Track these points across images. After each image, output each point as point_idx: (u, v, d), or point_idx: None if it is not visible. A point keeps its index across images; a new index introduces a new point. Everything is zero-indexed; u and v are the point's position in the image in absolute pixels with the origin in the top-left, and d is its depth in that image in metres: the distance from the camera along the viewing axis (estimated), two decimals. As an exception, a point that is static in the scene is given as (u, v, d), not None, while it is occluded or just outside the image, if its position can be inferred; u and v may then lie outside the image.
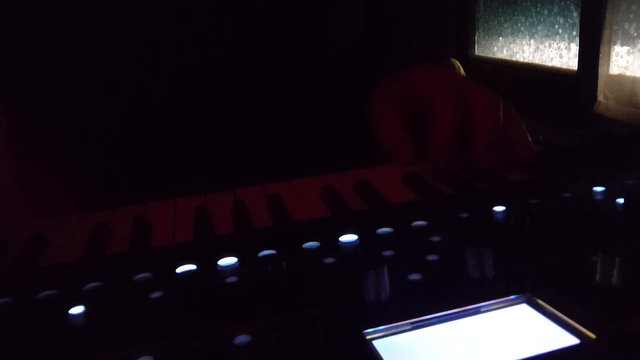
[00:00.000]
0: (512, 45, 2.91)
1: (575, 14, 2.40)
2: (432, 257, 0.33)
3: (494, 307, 0.28)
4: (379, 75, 0.61)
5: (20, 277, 0.37)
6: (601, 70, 2.11)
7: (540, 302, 0.28)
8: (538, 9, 2.65)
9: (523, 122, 0.52)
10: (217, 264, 0.35)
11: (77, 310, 0.31)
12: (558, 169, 0.50)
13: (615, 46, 2.08)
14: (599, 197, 0.41)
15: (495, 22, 3.05)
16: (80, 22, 0.57)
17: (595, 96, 2.13)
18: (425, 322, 0.27)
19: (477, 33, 3.24)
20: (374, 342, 0.26)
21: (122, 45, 0.58)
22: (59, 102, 0.60)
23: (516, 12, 2.83)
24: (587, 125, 2.15)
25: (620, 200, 0.39)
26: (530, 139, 0.52)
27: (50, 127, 0.61)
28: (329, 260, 0.34)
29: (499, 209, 0.40)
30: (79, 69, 0.59)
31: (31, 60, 0.59)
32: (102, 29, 0.58)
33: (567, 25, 2.46)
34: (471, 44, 3.26)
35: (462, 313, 0.28)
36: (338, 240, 0.37)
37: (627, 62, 2.04)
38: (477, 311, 0.28)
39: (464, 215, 0.39)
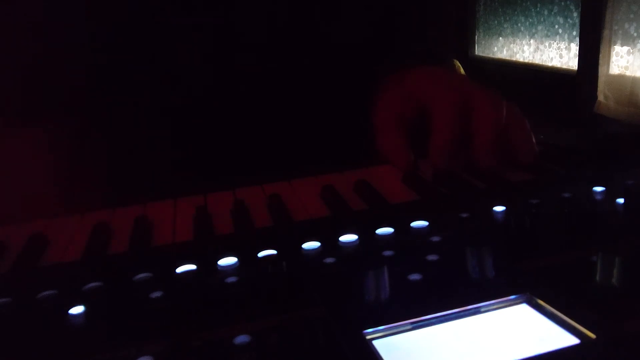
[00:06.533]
0: (512, 45, 2.91)
1: (575, 14, 2.39)
2: (432, 257, 0.33)
3: (494, 307, 0.28)
4: (381, 76, 0.61)
5: (20, 277, 0.37)
6: (601, 70, 2.11)
7: (540, 302, 0.28)
8: (538, 9, 2.65)
9: (526, 121, 0.52)
10: (217, 264, 0.35)
11: (77, 310, 0.31)
12: (558, 169, 0.50)
13: (615, 46, 2.08)
14: (599, 197, 0.41)
15: (495, 22, 3.05)
16: (82, 25, 0.57)
17: (595, 96, 2.13)
18: (425, 322, 0.27)
19: (477, 33, 3.24)
20: (374, 342, 0.26)
21: (122, 46, 0.58)
22: (61, 103, 0.60)
23: (516, 12, 2.83)
24: (587, 125, 2.15)
25: (620, 200, 0.39)
26: (533, 139, 0.51)
27: (53, 128, 0.61)
28: (329, 260, 0.34)
29: (499, 209, 0.40)
30: (79, 70, 0.59)
31: (35, 61, 0.59)
32: (103, 30, 0.58)
33: (567, 25, 2.46)
34: (471, 44, 3.26)
35: (462, 313, 0.28)
36: (338, 240, 0.37)
37: (627, 62, 2.04)
38: (477, 311, 0.28)
39: (464, 215, 0.39)
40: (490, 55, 3.11)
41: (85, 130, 0.60)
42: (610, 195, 0.41)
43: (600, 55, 2.10)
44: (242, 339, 0.27)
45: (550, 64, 2.60)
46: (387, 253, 0.34)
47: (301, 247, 0.36)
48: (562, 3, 2.47)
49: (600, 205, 0.40)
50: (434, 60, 0.62)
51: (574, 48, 2.40)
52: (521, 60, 2.83)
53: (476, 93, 0.51)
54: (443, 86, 0.53)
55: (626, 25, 2.03)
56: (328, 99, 0.66)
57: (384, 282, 0.29)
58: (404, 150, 0.54)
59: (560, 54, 2.53)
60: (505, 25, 2.95)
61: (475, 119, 0.50)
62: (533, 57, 2.73)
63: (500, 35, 3.01)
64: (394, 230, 0.38)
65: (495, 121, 0.50)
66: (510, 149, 0.51)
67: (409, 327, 0.27)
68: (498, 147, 0.49)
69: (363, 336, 0.26)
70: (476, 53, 3.25)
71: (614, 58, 2.09)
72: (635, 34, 2.01)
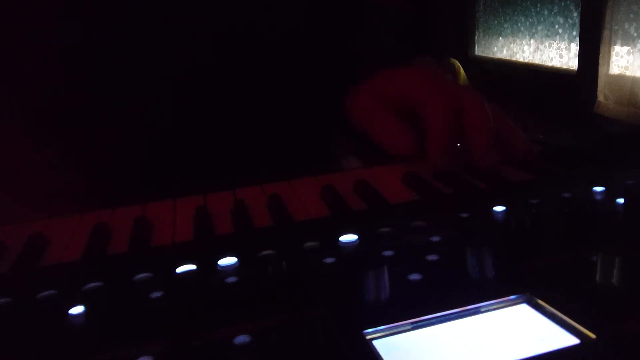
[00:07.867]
0: (512, 45, 2.91)
1: (575, 14, 2.40)
2: (432, 257, 0.33)
3: (494, 307, 0.28)
4: (361, 75, 0.60)
5: (20, 277, 0.37)
6: (601, 70, 2.11)
7: (540, 302, 0.28)
8: (538, 9, 2.65)
9: (510, 119, 0.52)
10: (217, 264, 0.35)
11: (77, 310, 0.31)
12: (558, 169, 0.50)
13: (615, 46, 2.08)
14: (599, 197, 0.41)
15: (495, 22, 3.05)
16: (82, 25, 0.57)
17: (595, 96, 2.13)
18: (425, 322, 0.27)
19: (477, 33, 3.24)
20: (374, 342, 0.26)
21: (122, 45, 0.58)
22: (60, 103, 0.60)
23: (516, 12, 2.83)
24: (587, 125, 2.15)
25: (620, 200, 0.39)
26: (521, 133, 0.51)
27: (52, 127, 0.61)
28: (329, 260, 0.34)
29: (499, 209, 0.40)
30: (79, 70, 0.59)
31: (34, 61, 0.59)
32: (103, 30, 0.58)
33: (567, 25, 2.46)
34: (471, 44, 3.26)
35: (462, 313, 0.28)
36: (338, 240, 0.37)
37: (627, 62, 2.04)
38: (477, 311, 0.28)
39: (464, 215, 0.39)
40: (490, 55, 3.11)
41: (85, 130, 0.60)
42: (610, 195, 0.41)
43: (600, 55, 2.10)
44: (242, 339, 0.27)
45: (550, 64, 2.60)
46: (387, 253, 0.34)
47: (301, 247, 0.36)
48: (562, 3, 2.47)
49: (600, 205, 0.40)
50: (407, 60, 0.61)
51: (574, 48, 2.40)
52: (521, 60, 2.83)
53: (464, 93, 0.51)
54: (432, 86, 0.52)
55: (626, 25, 2.03)
56: (328, 99, 0.66)
57: (384, 282, 0.29)
58: (401, 129, 0.51)
59: (560, 54, 2.53)
60: (505, 25, 2.95)
61: (469, 119, 0.50)
62: (533, 57, 2.73)
63: (500, 35, 3.02)
64: (394, 230, 0.38)
65: (487, 119, 0.49)
66: (508, 147, 0.51)
67: (409, 327, 0.27)
68: (493, 145, 0.49)
69: (363, 336, 0.26)
70: (476, 53, 3.25)
71: (614, 58, 2.09)
72: (635, 34, 2.01)
